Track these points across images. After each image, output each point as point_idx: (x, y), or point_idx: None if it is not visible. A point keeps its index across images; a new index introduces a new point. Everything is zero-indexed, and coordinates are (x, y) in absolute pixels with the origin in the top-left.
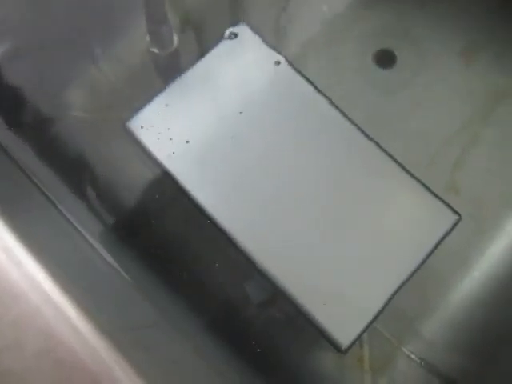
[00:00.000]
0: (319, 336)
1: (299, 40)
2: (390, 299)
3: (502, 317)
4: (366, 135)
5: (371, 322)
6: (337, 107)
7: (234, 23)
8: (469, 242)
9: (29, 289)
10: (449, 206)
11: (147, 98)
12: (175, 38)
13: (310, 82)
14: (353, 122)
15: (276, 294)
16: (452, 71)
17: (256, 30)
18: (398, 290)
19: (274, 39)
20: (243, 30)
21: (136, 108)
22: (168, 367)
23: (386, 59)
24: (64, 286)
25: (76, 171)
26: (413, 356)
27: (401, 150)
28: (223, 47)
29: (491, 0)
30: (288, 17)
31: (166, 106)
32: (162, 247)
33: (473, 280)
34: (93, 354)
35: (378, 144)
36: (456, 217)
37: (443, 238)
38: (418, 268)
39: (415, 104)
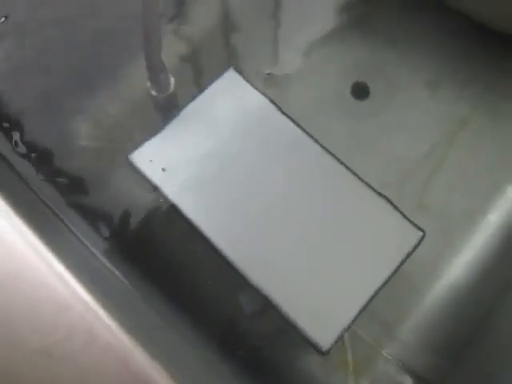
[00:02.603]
0: (304, 341)
1: (283, 77)
2: (365, 305)
3: (468, 320)
4: (341, 162)
5: (348, 327)
6: (315, 140)
7: (224, 69)
8: (438, 254)
9: (61, 288)
10: (414, 224)
11: (147, 133)
12: (172, 82)
13: (291, 118)
14: (329, 152)
15: (265, 305)
16: (420, 101)
17: (243, 74)
18: (373, 297)
19: (259, 80)
20: (231, 74)
21: (137, 142)
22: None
23: (360, 91)
24: (84, 284)
25: (82, 196)
26: (391, 358)
27: (375, 172)
28: (214, 89)
29: (455, 38)
30: (273, 59)
31: (165, 140)
32: (160, 264)
33: (442, 287)
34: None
35: (350, 170)
36: (420, 233)
37: (411, 251)
38: (389, 278)
39: (387, 131)
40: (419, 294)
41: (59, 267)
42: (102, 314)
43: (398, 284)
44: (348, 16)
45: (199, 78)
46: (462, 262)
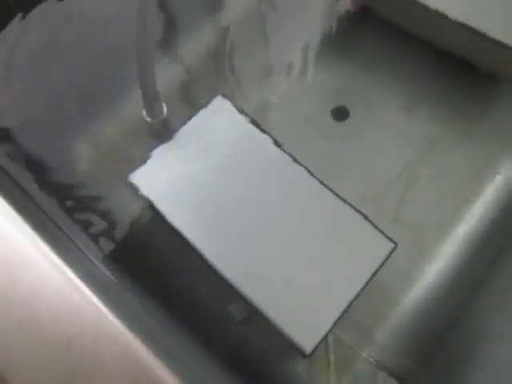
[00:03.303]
0: (289, 345)
1: (268, 102)
2: (343, 311)
3: (439, 324)
4: (321, 182)
5: (329, 332)
6: (297, 161)
7: (213, 95)
8: (412, 264)
9: (75, 293)
10: (387, 236)
11: (144, 154)
12: (165, 109)
13: (275, 142)
14: (309, 171)
15: (253, 312)
16: (395, 122)
17: (230, 99)
18: (351, 303)
19: (246, 105)
20: (220, 101)
21: (134, 162)
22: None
23: (341, 114)
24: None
25: (84, 213)
26: (370, 359)
27: (355, 189)
28: (204, 114)
29: (427, 65)
30: (259, 85)
31: (160, 162)
32: (155, 274)
33: (416, 295)
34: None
35: (329, 188)
36: (392, 245)
37: (384, 261)
38: (366, 285)
39: (366, 150)
40: (395, 301)
41: (74, 277)
42: (108, 313)
43: (375, 291)
44: (328, 44)
45: (190, 104)
46: (433, 271)
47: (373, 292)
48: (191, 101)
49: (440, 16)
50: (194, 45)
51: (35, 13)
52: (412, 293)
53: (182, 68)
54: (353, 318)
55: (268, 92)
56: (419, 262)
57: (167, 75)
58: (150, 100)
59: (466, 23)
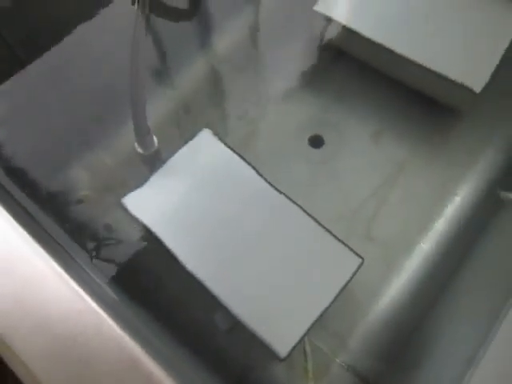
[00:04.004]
0: (267, 351)
1: (250, 132)
2: (316, 320)
3: (405, 331)
4: (297, 204)
5: (302, 338)
6: (275, 188)
7: (199, 128)
8: (381, 277)
9: (78, 301)
10: (355, 252)
11: (137, 181)
12: (155, 141)
13: (256, 170)
14: (286, 196)
15: (236, 322)
16: (365, 149)
17: (215, 131)
18: (323, 313)
19: (230, 136)
20: (205, 133)
21: (128, 188)
22: None
23: (316, 142)
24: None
25: (82, 236)
26: (343, 364)
27: (329, 209)
28: (191, 146)
29: (395, 96)
30: (241, 118)
31: (151, 188)
32: (148, 288)
33: (384, 304)
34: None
35: (304, 210)
36: (360, 260)
37: (353, 274)
38: (337, 296)
39: (339, 174)
40: (366, 310)
41: (78, 289)
42: (105, 317)
43: (349, 302)
44: (306, 78)
45: (180, 135)
46: (399, 283)
47: (346, 303)
48: (180, 132)
49: (404, 59)
50: (183, 80)
51: (40, 60)
52: (381, 302)
53: (172, 101)
54: (328, 327)
55: (250, 122)
56: (388, 275)
57: (159, 108)
58: (142, 135)
59: (426, 66)
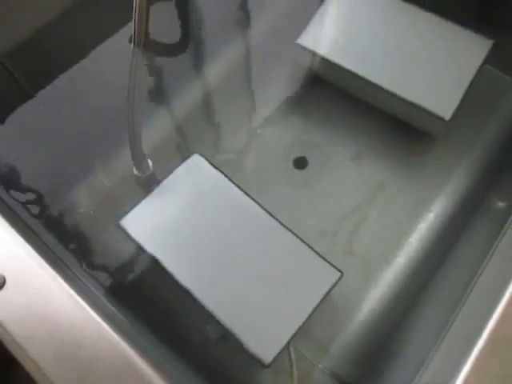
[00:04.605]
0: (253, 358)
1: (238, 156)
2: (298, 329)
3: (383, 339)
4: (281, 223)
5: (286, 345)
6: (263, 207)
7: (191, 152)
8: (360, 288)
9: (81, 312)
10: (334, 266)
11: (134, 201)
12: (150, 165)
13: (243, 191)
14: (271, 214)
15: (226, 332)
16: (347, 170)
17: (205, 155)
18: (305, 322)
19: (218, 159)
20: (196, 157)
21: (126, 207)
22: None
23: (301, 163)
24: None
25: (82, 251)
26: (325, 370)
27: (312, 226)
28: (183, 169)
29: (375, 121)
30: (230, 142)
31: (146, 209)
32: (146, 304)
33: (363, 314)
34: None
35: (287, 228)
36: (339, 274)
37: (333, 286)
38: (317, 307)
39: (322, 193)
40: (346, 319)
41: (81, 301)
42: (105, 325)
43: (331, 312)
44: (291, 104)
45: (173, 159)
46: (378, 294)
47: (329, 312)
48: (174, 156)
49: (380, 88)
50: (176, 107)
51: (45, 90)
52: (361, 312)
53: (166, 128)
54: (312, 335)
55: (239, 145)
56: (367, 287)
57: (154, 134)
58: (138, 160)
59: (400, 94)
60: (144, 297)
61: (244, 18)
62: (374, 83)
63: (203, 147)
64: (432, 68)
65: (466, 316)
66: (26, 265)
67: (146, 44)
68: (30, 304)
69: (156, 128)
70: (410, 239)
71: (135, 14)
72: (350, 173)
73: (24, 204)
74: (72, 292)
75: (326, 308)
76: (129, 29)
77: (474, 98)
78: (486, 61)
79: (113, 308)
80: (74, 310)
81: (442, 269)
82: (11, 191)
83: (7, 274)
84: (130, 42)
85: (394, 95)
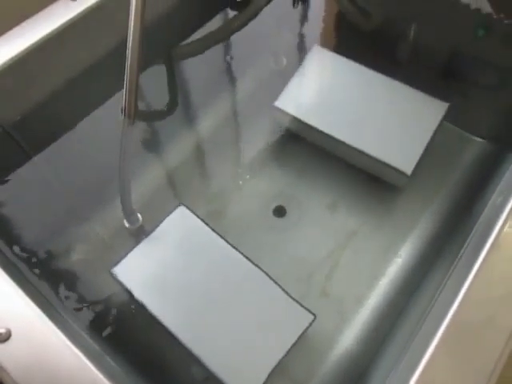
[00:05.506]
0: None
1: (221, 206)
2: (274, 367)
3: (356, 376)
4: (259, 267)
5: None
6: (243, 254)
7: (176, 204)
8: (335, 328)
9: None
10: (308, 310)
11: (124, 250)
12: (140, 218)
13: (226, 241)
14: (250, 260)
15: (210, 374)
16: (322, 218)
17: (190, 207)
18: (280, 362)
19: (203, 210)
20: (182, 209)
21: (117, 256)
22: None
23: (280, 212)
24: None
25: (74, 298)
26: None
27: (289, 271)
28: (170, 220)
29: (347, 174)
30: (214, 193)
31: (136, 257)
32: (134, 344)
33: (338, 353)
34: None
35: (265, 272)
36: (312, 317)
37: (306, 328)
38: (292, 347)
39: (299, 240)
40: (322, 357)
41: (76, 351)
42: (98, 373)
43: (306, 351)
44: (270, 158)
45: (160, 212)
46: (352, 333)
47: (305, 351)
48: (161, 209)
49: (349, 146)
50: (162, 164)
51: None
52: (335, 351)
53: (154, 182)
54: (289, 373)
55: (222, 195)
56: (341, 326)
57: (143, 189)
58: (128, 214)
59: (366, 151)
60: (135, 341)
61: (228, 82)
62: (343, 142)
63: (189, 199)
64: (395, 128)
65: None
66: (28, 319)
67: (136, 114)
68: (33, 355)
69: (145, 182)
70: (381, 282)
71: (125, 92)
72: (325, 221)
73: (25, 258)
74: (69, 343)
75: (303, 348)
76: (119, 97)
77: (436, 153)
78: (445, 119)
79: (107, 357)
80: (72, 360)
81: (410, 307)
82: (13, 245)
83: (13, 327)
84: (122, 112)
85: (362, 152)
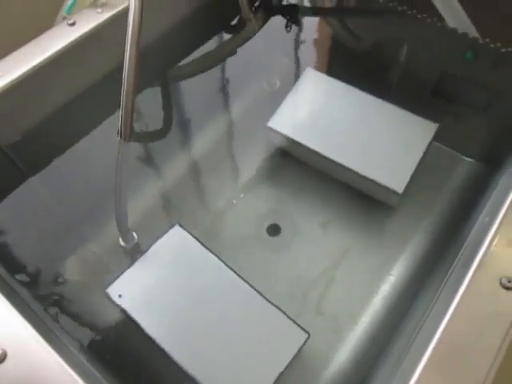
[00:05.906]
0: None
1: (215, 225)
2: None
3: None
4: (252, 287)
5: None
6: (237, 273)
7: (172, 224)
8: (330, 346)
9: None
10: (302, 328)
11: (120, 268)
12: (135, 237)
13: (220, 259)
14: (244, 279)
15: None
16: (315, 236)
17: (185, 226)
18: (276, 380)
19: (198, 229)
20: (177, 229)
21: (113, 275)
22: None
23: (274, 230)
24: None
25: (68, 316)
26: None
27: (283, 289)
28: (165, 240)
29: (339, 193)
30: (210, 213)
31: (131, 276)
32: (132, 368)
33: (333, 371)
34: None
35: (258, 291)
36: (306, 335)
37: (301, 346)
38: (288, 365)
39: (293, 259)
40: (316, 377)
41: (69, 370)
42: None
43: (301, 369)
44: (264, 177)
45: (156, 230)
46: (346, 350)
47: (300, 370)
48: (156, 227)
49: (342, 166)
50: (157, 184)
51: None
52: (330, 369)
53: (149, 202)
54: None
55: (217, 214)
56: (335, 344)
57: (139, 209)
58: (124, 233)
59: (358, 171)
60: (130, 361)
61: (222, 104)
62: (335, 161)
63: (184, 218)
64: (386, 148)
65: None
66: (23, 340)
67: (131, 135)
68: (28, 376)
69: (140, 201)
70: (373, 299)
71: (121, 114)
72: (318, 239)
73: (20, 279)
74: (64, 364)
75: (298, 365)
76: (115, 118)
77: (426, 172)
78: (434, 139)
79: (102, 378)
80: (67, 381)
81: (403, 324)
82: (8, 266)
83: (8, 347)
84: (118, 133)
85: (353, 172)
